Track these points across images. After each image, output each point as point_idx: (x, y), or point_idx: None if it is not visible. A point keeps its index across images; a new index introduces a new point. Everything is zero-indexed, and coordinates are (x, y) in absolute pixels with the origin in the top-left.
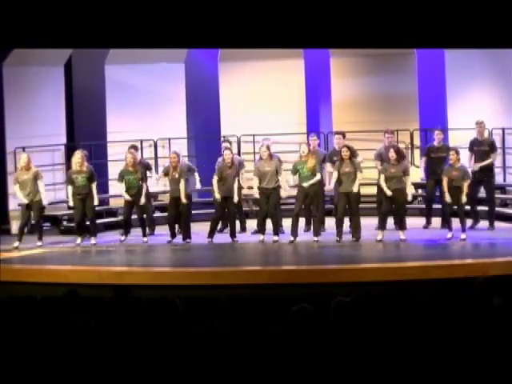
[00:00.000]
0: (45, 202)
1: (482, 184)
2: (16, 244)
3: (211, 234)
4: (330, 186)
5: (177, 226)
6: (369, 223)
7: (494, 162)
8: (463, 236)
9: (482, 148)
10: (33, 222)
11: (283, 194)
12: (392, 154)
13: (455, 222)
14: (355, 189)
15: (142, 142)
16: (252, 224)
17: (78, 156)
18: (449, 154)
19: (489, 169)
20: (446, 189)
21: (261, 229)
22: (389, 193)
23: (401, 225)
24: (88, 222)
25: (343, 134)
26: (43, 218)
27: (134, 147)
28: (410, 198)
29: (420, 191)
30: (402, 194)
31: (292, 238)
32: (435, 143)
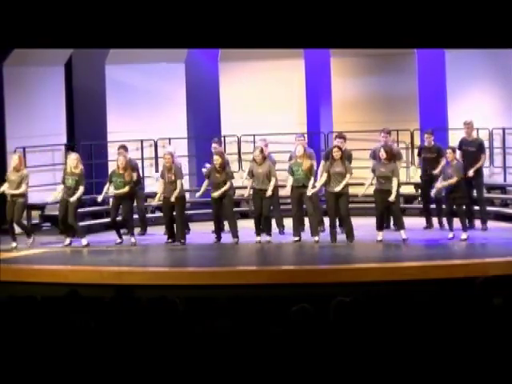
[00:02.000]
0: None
1: (472, 184)
2: (14, 244)
3: (215, 233)
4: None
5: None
6: (367, 223)
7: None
8: (464, 236)
9: (470, 148)
10: (25, 221)
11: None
12: (382, 154)
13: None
14: (337, 189)
15: (142, 141)
16: (250, 224)
17: (73, 157)
18: (439, 154)
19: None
20: (439, 185)
21: (256, 230)
22: (366, 191)
23: (399, 224)
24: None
25: (344, 138)
26: (44, 218)
27: (124, 147)
28: (392, 198)
29: (420, 191)
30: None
31: (296, 238)
32: (426, 144)
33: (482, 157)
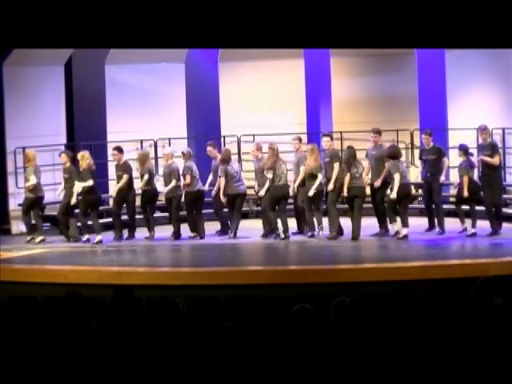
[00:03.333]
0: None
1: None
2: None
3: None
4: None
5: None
6: (368, 223)
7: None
8: (472, 230)
9: (485, 152)
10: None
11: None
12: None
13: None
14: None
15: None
16: (250, 224)
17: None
18: (439, 155)
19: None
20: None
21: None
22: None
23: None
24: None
25: (331, 136)
26: (43, 218)
27: (118, 149)
28: (392, 196)
29: (420, 191)
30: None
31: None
32: (425, 146)
33: (494, 157)
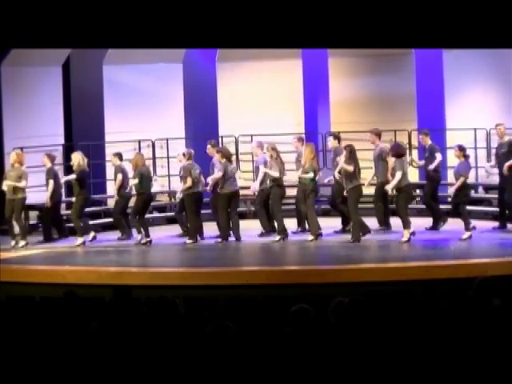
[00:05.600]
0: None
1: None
2: (13, 243)
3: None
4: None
5: None
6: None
7: None
8: (465, 236)
9: (500, 150)
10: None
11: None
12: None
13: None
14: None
15: (139, 142)
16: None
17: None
18: (430, 154)
19: None
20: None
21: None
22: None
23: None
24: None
25: (335, 136)
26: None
27: (48, 155)
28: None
29: (418, 191)
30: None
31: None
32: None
33: None
